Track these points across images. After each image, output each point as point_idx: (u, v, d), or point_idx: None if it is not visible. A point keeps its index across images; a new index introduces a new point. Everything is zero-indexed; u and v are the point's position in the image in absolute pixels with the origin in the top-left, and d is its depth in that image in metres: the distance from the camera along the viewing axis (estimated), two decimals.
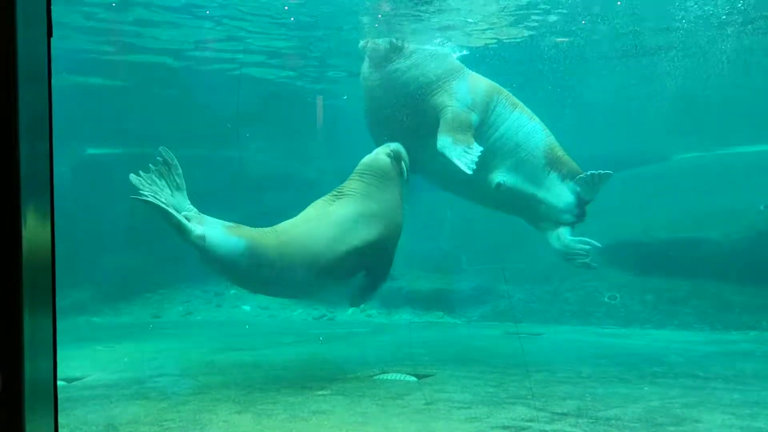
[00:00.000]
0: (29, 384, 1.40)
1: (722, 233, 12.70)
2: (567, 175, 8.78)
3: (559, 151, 8.83)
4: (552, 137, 8.88)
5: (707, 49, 13.66)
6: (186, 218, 6.28)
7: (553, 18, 11.70)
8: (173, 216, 6.15)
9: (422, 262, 14.45)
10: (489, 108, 8.44)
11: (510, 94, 8.78)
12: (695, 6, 11.27)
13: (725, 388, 6.45)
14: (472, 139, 8.02)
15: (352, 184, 7.41)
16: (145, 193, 6.14)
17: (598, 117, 18.37)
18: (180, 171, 6.34)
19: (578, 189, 8.77)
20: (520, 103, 8.80)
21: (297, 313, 13.88)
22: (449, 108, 8.10)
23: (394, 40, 8.43)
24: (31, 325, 1.42)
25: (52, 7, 1.60)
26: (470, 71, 8.68)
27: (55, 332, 1.57)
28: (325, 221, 7.02)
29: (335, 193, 7.37)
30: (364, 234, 7.10)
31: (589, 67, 15.34)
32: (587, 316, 12.19)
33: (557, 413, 5.46)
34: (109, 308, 13.57)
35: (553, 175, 8.73)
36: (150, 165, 6.32)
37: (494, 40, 12.71)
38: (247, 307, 14.23)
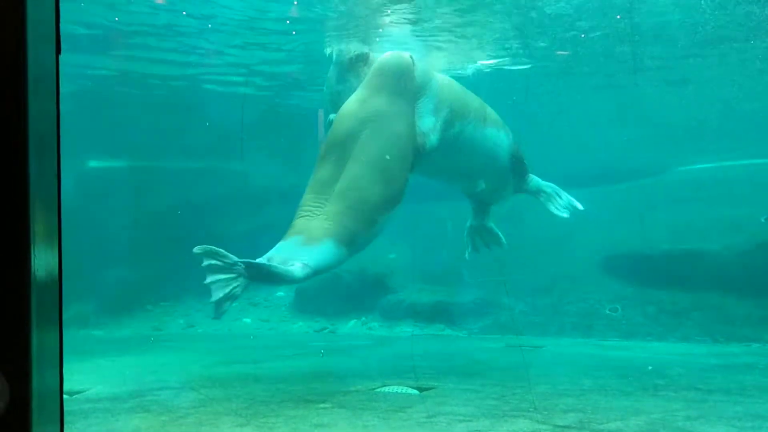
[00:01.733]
0: (36, 397, 1.41)
1: (723, 245, 12.71)
2: (518, 173, 9.56)
3: (518, 152, 9.41)
4: (512, 138, 9.27)
5: (708, 61, 13.73)
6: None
7: (549, 34, 11.80)
8: (277, 268, 6.19)
9: (423, 274, 14.46)
10: (455, 126, 8.20)
11: (482, 104, 8.74)
12: (696, 19, 11.34)
13: (727, 401, 6.44)
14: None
15: (378, 99, 7.33)
16: (226, 290, 6.26)
17: (598, 129, 18.41)
18: (222, 251, 6.29)
19: (530, 189, 9.76)
20: (489, 112, 8.81)
21: (298, 325, 13.87)
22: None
23: (363, 50, 8.37)
24: (39, 339, 1.44)
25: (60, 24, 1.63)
26: (438, 79, 8.30)
27: (61, 345, 1.58)
28: (364, 163, 7.04)
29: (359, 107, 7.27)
30: (403, 151, 7.29)
31: (588, 80, 15.41)
32: (588, 328, 12.18)
33: (559, 426, 5.46)
34: (110, 321, 13.57)
35: (510, 175, 9.51)
36: (208, 281, 6.24)
37: (499, 60, 12.81)
38: (247, 320, 14.23)
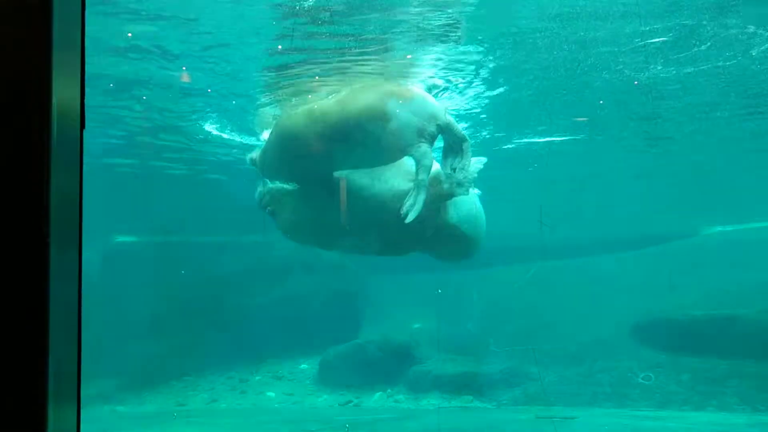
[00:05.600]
0: None
1: (758, 309, 12.37)
2: None
3: None
4: None
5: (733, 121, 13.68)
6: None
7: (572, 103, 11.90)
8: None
9: (450, 344, 14.22)
10: None
11: None
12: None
13: None
14: None
15: None
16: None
17: (622, 195, 18.32)
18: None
19: None
20: None
21: (322, 398, 13.61)
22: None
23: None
24: (56, 416, 1.40)
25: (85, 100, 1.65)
26: None
27: (79, 423, 1.54)
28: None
29: None
30: None
31: (613, 145, 15.42)
32: (622, 398, 11.78)
33: None
34: (133, 397, 13.43)
35: None
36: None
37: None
38: (272, 394, 14.00)
